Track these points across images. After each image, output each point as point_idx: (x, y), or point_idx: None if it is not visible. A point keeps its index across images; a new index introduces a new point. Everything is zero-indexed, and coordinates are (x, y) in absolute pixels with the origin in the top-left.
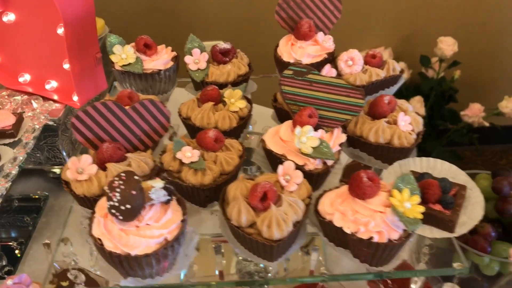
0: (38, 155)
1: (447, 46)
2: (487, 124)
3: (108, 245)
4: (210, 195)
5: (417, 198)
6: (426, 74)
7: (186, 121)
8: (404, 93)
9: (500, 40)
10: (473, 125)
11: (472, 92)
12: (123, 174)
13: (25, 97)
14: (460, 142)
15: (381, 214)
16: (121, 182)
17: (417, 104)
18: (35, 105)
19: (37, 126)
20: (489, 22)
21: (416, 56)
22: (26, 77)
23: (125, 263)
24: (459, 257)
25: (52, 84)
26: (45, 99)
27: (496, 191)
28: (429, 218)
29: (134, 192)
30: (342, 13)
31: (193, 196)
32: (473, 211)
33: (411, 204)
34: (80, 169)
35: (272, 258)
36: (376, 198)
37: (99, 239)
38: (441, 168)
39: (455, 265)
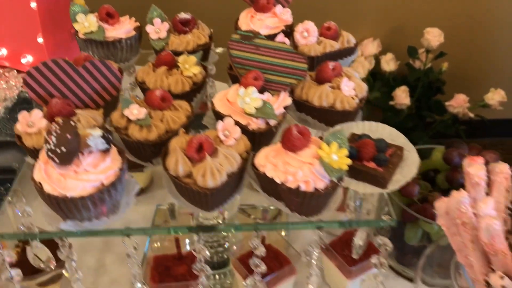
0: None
1: (433, 37)
2: (471, 115)
3: (47, 188)
4: (155, 151)
5: (344, 151)
6: (413, 65)
7: (142, 85)
8: (392, 84)
9: (488, 33)
10: (458, 115)
11: (460, 84)
12: (60, 120)
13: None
14: (446, 133)
15: (309, 165)
16: (57, 127)
17: (402, 94)
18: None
19: (9, 96)
20: (476, 14)
21: (404, 47)
22: (3, 51)
23: (62, 205)
24: (390, 212)
25: (28, 58)
26: (20, 72)
27: (447, 162)
28: (363, 175)
29: (69, 136)
30: (332, 3)
31: (139, 151)
32: (408, 170)
33: (338, 156)
34: (30, 122)
35: (208, 207)
36: (306, 150)
37: (40, 183)
38: (382, 131)
39: (383, 217)
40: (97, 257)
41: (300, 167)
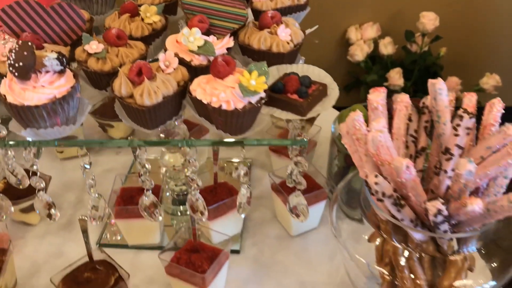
0: None
1: (429, 20)
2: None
3: (10, 99)
4: (110, 80)
5: (263, 78)
6: (410, 48)
7: None
8: (390, 67)
9: (484, 18)
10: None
11: (457, 69)
12: (20, 41)
13: None
14: None
15: (231, 88)
16: (17, 46)
17: (395, 75)
18: None
19: None
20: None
21: (403, 32)
22: None
23: (22, 114)
24: (306, 133)
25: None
26: None
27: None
28: (286, 104)
29: (25, 53)
30: None
31: (96, 80)
32: (328, 103)
33: (256, 81)
34: (4, 53)
35: (149, 125)
36: (230, 77)
37: (4, 95)
38: (312, 72)
39: (299, 138)
40: (77, 195)
41: (223, 90)
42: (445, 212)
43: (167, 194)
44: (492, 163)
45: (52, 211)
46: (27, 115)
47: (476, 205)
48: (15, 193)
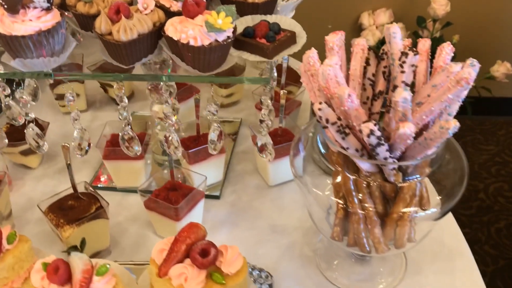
0: None
1: (440, 6)
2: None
3: (0, 30)
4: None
5: (229, 19)
6: (421, 34)
7: None
8: None
9: (497, 4)
10: None
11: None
12: None
13: None
14: None
15: (200, 26)
16: None
17: None
18: None
19: None
20: None
21: (415, 18)
22: None
23: (10, 43)
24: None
25: None
26: None
27: None
28: (254, 48)
29: None
30: None
31: (84, 23)
32: (295, 49)
33: (222, 21)
34: None
35: (125, 61)
36: (200, 17)
37: None
38: (285, 22)
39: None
40: None
41: (192, 28)
42: (378, 133)
43: (157, 145)
44: (435, 99)
45: (40, 142)
46: (15, 45)
47: (407, 128)
48: (16, 136)
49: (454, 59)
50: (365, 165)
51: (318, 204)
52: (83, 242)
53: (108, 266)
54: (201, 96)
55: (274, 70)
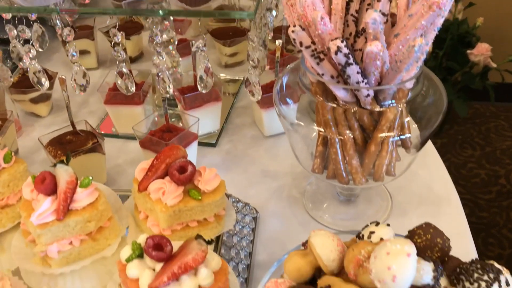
0: None
1: None
2: (494, 65)
3: None
4: None
5: None
6: None
7: None
8: None
9: None
10: (479, 64)
11: (493, 40)
12: None
13: None
14: (472, 86)
15: None
16: None
17: None
18: None
19: None
20: None
21: None
22: None
23: None
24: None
25: None
26: None
27: None
28: None
29: None
30: None
31: None
32: None
33: None
34: None
35: None
36: None
37: None
38: None
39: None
40: (83, 97)
41: None
42: (345, 50)
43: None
44: (410, 27)
45: (42, 78)
46: None
47: (374, 46)
48: (26, 84)
49: (478, 40)
50: (340, 92)
51: (301, 137)
52: (68, 156)
53: (90, 178)
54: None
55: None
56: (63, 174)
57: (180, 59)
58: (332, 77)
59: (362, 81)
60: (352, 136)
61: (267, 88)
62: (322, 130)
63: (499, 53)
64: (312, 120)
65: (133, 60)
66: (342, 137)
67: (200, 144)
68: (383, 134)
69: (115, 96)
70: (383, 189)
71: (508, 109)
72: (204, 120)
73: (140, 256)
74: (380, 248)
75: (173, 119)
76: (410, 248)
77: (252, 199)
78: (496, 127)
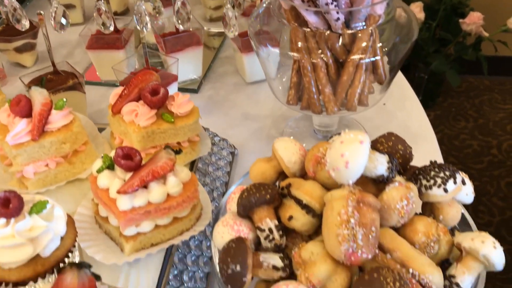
0: None
1: None
2: (486, 34)
3: None
4: None
5: None
6: None
7: None
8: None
9: None
10: (471, 33)
11: (487, 10)
12: None
13: None
14: (465, 57)
15: None
16: None
17: (416, 8)
18: None
19: None
20: None
21: None
22: None
23: None
24: None
25: None
26: None
27: None
28: None
29: None
30: None
31: None
32: None
33: None
34: None
35: None
36: None
37: None
38: None
39: None
40: (69, 50)
41: None
42: None
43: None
44: None
45: (23, 20)
46: None
47: None
48: (10, 33)
49: (470, 11)
50: (311, 17)
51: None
52: (43, 80)
53: (64, 100)
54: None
55: None
56: (38, 96)
57: (163, 8)
58: (303, 1)
59: (331, 3)
60: (324, 63)
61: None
62: (297, 55)
63: (492, 24)
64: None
65: (118, 14)
66: (315, 61)
67: (182, 90)
68: (356, 56)
69: (97, 41)
70: (361, 128)
71: (502, 82)
72: (185, 65)
73: (111, 168)
74: (335, 140)
75: (158, 68)
76: (363, 136)
77: (231, 138)
78: (489, 100)
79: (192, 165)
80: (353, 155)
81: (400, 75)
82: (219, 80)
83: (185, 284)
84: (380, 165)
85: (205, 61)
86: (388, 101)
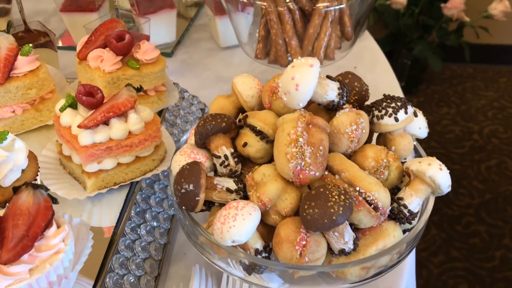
0: None
1: None
2: (467, 19)
3: None
4: None
5: None
6: None
7: None
8: None
9: None
10: (453, 17)
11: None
12: None
13: None
14: (447, 42)
15: None
16: None
17: None
18: None
19: None
20: None
21: None
22: None
23: None
24: None
25: None
26: None
27: None
28: None
29: None
30: None
31: None
32: None
33: None
34: None
35: None
36: None
37: None
38: None
39: None
40: (44, 17)
41: None
42: None
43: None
44: None
45: None
46: None
47: None
48: None
49: None
50: None
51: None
52: (8, 24)
53: (31, 46)
54: None
55: None
56: (4, 41)
57: None
58: None
59: None
60: (290, 15)
61: None
62: (265, 4)
63: (474, 10)
64: None
65: None
66: (281, 9)
67: None
68: (321, 4)
69: (71, 4)
70: None
71: (485, 70)
72: (159, 28)
73: (74, 107)
74: (288, 67)
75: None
76: (314, 61)
77: (203, 98)
78: (472, 87)
79: (159, 115)
80: (303, 78)
81: (370, 39)
82: (194, 45)
83: (148, 223)
84: (331, 90)
85: (180, 27)
86: (359, 64)
